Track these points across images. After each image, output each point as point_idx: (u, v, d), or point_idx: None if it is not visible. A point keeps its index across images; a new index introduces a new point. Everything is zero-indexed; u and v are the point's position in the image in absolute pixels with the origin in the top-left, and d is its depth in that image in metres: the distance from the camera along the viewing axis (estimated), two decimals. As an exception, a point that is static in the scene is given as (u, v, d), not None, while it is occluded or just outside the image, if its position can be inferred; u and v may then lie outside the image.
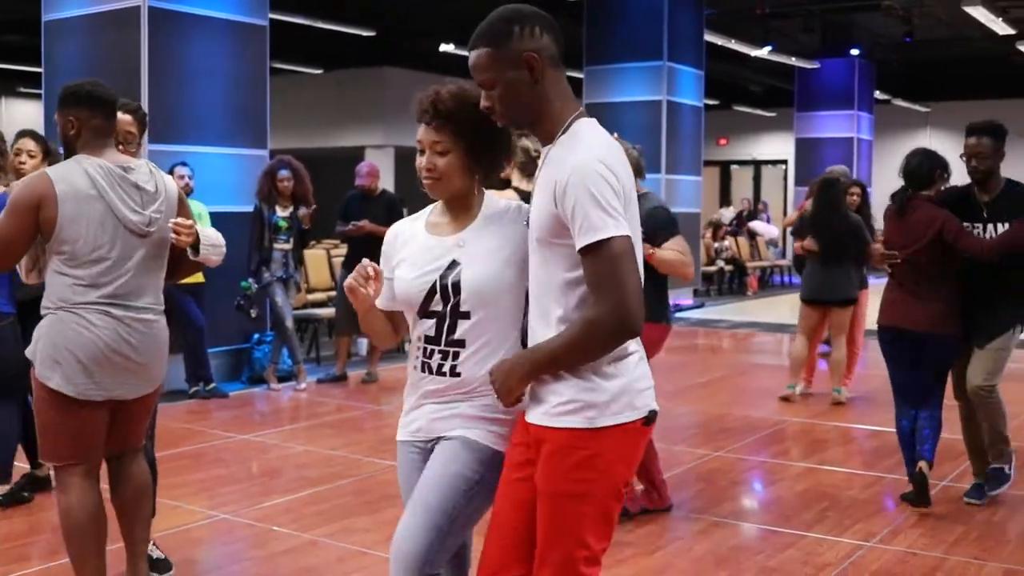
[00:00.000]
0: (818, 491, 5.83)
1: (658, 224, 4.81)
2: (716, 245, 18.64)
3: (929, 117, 23.81)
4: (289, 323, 8.59)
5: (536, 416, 2.50)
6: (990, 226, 5.28)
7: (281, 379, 8.83)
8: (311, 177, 8.57)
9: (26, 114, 22.60)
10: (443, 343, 2.65)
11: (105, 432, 3.75)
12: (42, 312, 3.66)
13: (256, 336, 8.99)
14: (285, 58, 13.82)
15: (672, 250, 4.84)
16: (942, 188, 5.46)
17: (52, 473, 4.75)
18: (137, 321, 3.70)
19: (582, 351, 2.39)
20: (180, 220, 3.76)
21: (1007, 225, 5.22)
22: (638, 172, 4.96)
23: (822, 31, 19.77)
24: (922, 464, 5.33)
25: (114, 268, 3.64)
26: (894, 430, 5.72)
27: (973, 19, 16.17)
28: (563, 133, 2.47)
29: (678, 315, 14.45)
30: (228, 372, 8.91)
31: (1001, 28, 16.49)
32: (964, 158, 5.33)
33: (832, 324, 8.25)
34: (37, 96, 24.21)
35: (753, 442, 7.07)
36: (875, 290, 6.88)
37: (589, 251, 2.33)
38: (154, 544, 4.35)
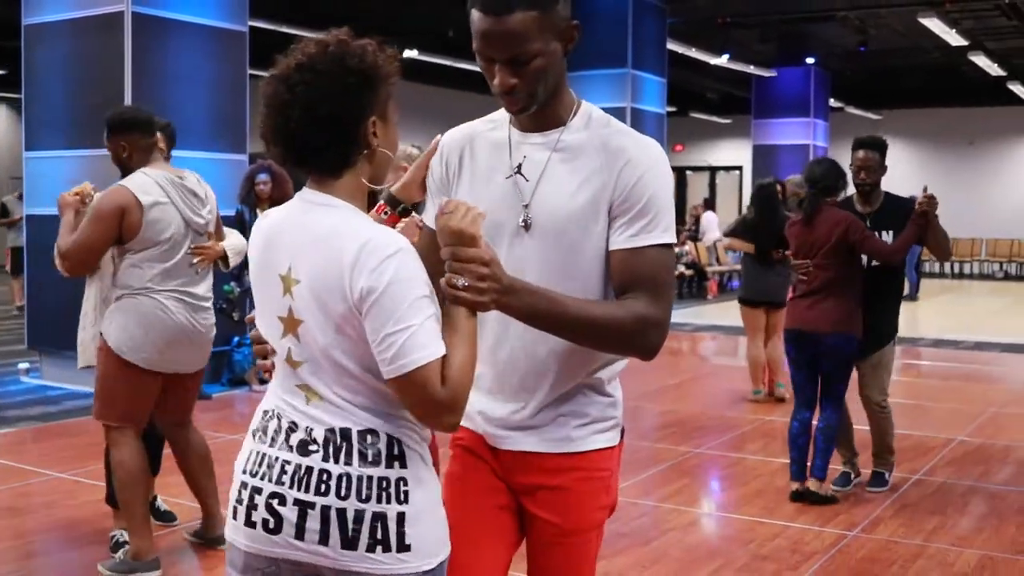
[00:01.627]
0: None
1: None
2: (676, 250, 18.92)
3: (881, 124, 24.29)
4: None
5: (548, 443, 2.19)
6: (875, 235, 5.55)
7: (262, 381, 8.93)
8: (292, 182, 8.68)
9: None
10: None
11: (154, 399, 4.42)
12: (116, 296, 4.30)
13: (236, 339, 9.09)
14: (266, 65, 13.88)
15: None
16: (838, 199, 5.70)
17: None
18: (201, 308, 4.46)
19: (610, 337, 2.06)
20: (199, 246, 4.45)
21: (890, 233, 5.53)
22: None
23: (779, 40, 20.12)
24: (811, 482, 5.58)
25: (183, 262, 4.37)
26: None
27: (926, 30, 16.59)
28: (576, 115, 2.17)
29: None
30: (208, 374, 8.96)
31: (954, 39, 16.93)
32: (853, 169, 5.65)
33: (770, 324, 8.53)
34: (5, 100, 24.12)
35: (731, 439, 7.30)
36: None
37: (654, 249, 2.07)
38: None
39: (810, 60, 20.67)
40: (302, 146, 1.90)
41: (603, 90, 14.94)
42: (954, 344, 12.31)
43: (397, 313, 1.78)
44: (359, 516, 1.84)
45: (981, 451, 6.97)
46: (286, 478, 1.86)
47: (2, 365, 9.85)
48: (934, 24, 15.90)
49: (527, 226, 2.10)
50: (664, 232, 2.07)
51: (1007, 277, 24.96)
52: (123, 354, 4.26)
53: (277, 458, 1.89)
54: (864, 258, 5.55)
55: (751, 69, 20.24)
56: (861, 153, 5.63)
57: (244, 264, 8.52)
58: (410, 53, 17.67)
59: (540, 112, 2.12)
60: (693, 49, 17.96)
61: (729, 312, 16.02)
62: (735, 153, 27.73)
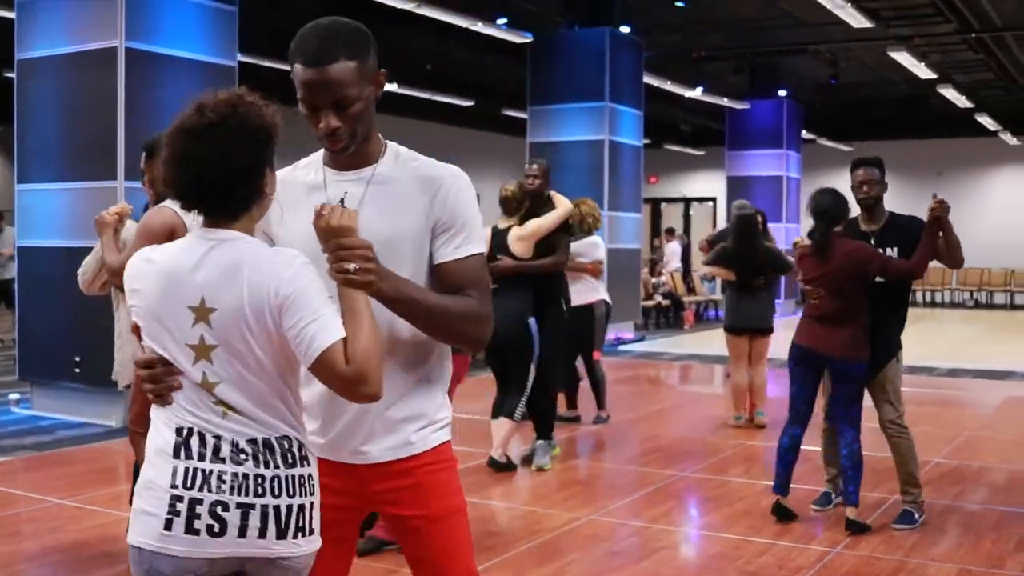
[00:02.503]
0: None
1: None
2: (654, 280, 19.16)
3: (853, 156, 24.65)
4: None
5: (395, 450, 2.41)
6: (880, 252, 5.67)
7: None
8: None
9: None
10: None
11: None
12: None
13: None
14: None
15: None
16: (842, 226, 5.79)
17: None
18: None
19: (455, 326, 2.36)
20: None
21: (895, 250, 5.62)
22: None
23: (751, 73, 20.51)
24: (848, 510, 5.62)
25: None
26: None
27: (896, 63, 16.98)
28: (385, 152, 2.43)
29: (621, 348, 14.90)
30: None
31: (923, 72, 17.32)
32: (854, 187, 5.72)
33: (753, 351, 8.75)
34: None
35: (714, 463, 7.49)
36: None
37: (474, 257, 2.40)
38: None
39: (782, 93, 21.05)
40: (211, 195, 2.15)
41: (581, 123, 15.22)
42: (928, 371, 12.57)
43: (307, 310, 2.08)
44: (289, 510, 2.15)
45: (957, 472, 7.19)
46: (225, 487, 2.12)
47: (-9, 396, 9.93)
48: (903, 58, 16.30)
49: None
50: (479, 242, 2.43)
51: (978, 305, 25.37)
52: None
53: (212, 471, 2.12)
54: None
55: (725, 101, 20.60)
56: (861, 171, 5.70)
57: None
58: (389, 87, 17.91)
59: (355, 152, 2.38)
60: (668, 82, 18.29)
61: (707, 341, 16.28)
62: (709, 184, 28.10)
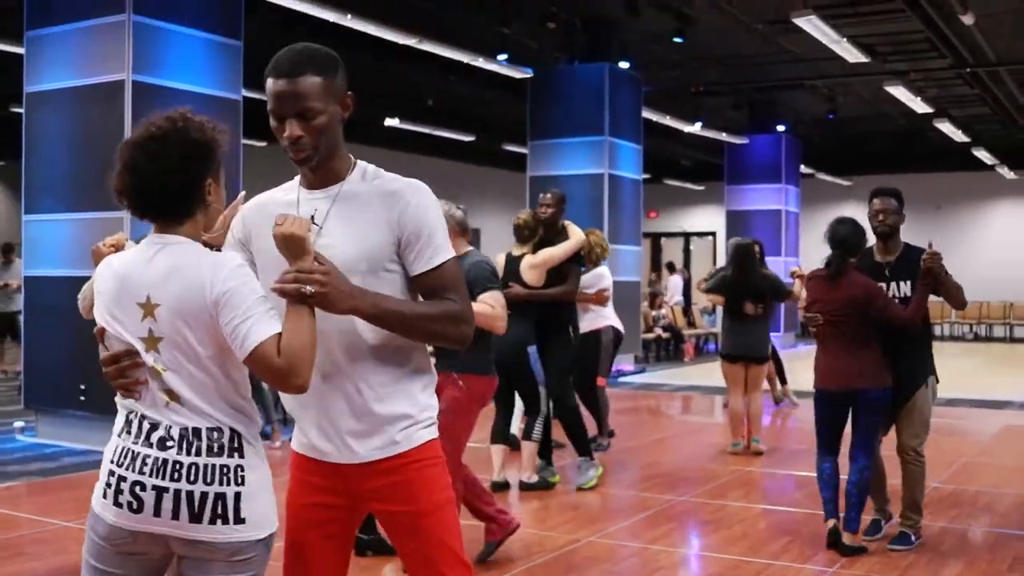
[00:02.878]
0: (779, 528, 6.32)
1: (475, 278, 5.08)
2: (654, 313, 19.25)
3: (851, 191, 24.86)
4: (265, 384, 8.91)
5: (382, 449, 2.52)
6: (892, 284, 5.73)
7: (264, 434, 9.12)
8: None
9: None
10: None
11: None
12: None
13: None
14: (259, 134, 14.50)
15: (484, 303, 5.08)
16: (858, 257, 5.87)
17: None
18: None
19: (437, 329, 2.52)
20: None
21: (908, 283, 5.68)
22: (464, 230, 5.35)
23: (750, 108, 20.71)
24: (845, 536, 5.65)
25: None
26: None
27: (892, 98, 17.16)
28: (353, 171, 2.56)
29: (622, 379, 14.98)
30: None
31: (920, 107, 17.50)
32: (871, 216, 5.80)
33: (749, 379, 8.84)
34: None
35: (713, 488, 7.55)
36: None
37: (447, 263, 2.54)
38: None
39: (781, 128, 21.23)
40: (153, 200, 2.40)
41: (582, 157, 15.38)
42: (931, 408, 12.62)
43: (241, 307, 2.30)
44: (204, 496, 2.32)
45: (954, 496, 7.26)
46: (147, 469, 2.34)
47: (-4, 425, 10.01)
48: (900, 92, 16.46)
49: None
50: (448, 249, 2.58)
51: (977, 339, 25.45)
52: None
53: (139, 453, 2.36)
54: None
55: (724, 136, 20.77)
56: (878, 200, 5.79)
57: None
58: (391, 121, 18.10)
59: (323, 171, 2.54)
60: (668, 117, 18.47)
61: (706, 373, 16.35)
62: (708, 219, 28.25)
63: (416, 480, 2.53)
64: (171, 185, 2.38)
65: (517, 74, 15.04)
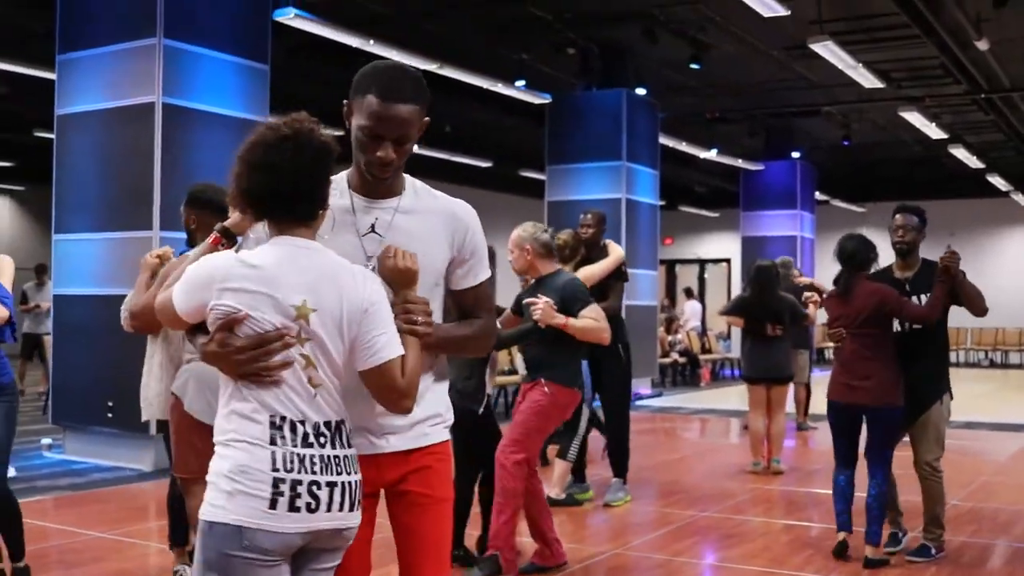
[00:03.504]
0: (801, 542, 6.40)
1: (573, 295, 5.48)
2: (670, 338, 19.33)
3: (866, 217, 24.95)
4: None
5: (414, 439, 2.69)
6: (913, 298, 5.82)
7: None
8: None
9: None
10: None
11: None
12: (187, 359, 4.56)
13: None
14: None
15: (587, 318, 5.41)
16: (871, 271, 5.98)
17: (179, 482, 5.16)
18: None
19: (478, 346, 2.87)
20: None
21: (927, 296, 5.76)
22: (550, 252, 5.64)
23: (765, 135, 20.83)
24: (867, 549, 5.72)
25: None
26: (862, 495, 6.14)
27: (907, 124, 17.27)
28: (406, 185, 2.72)
29: (639, 403, 15.06)
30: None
31: (935, 132, 17.60)
32: (892, 230, 5.93)
33: (771, 400, 8.92)
34: (10, 192, 24.68)
35: (734, 504, 7.64)
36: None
37: (485, 282, 2.82)
38: None
39: (796, 154, 21.32)
40: (285, 200, 2.42)
41: (600, 182, 15.51)
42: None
43: (382, 321, 2.44)
44: (355, 485, 2.46)
45: (973, 512, 7.33)
46: (316, 468, 2.39)
47: (23, 442, 10.12)
48: (915, 118, 16.57)
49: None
50: (487, 268, 2.84)
51: (992, 365, 25.44)
52: (196, 414, 4.52)
53: (304, 455, 2.39)
54: (896, 323, 5.78)
55: (739, 163, 20.88)
56: (899, 217, 5.92)
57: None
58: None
59: (386, 183, 2.66)
60: (684, 143, 18.60)
61: (723, 397, 16.44)
62: (723, 245, 28.36)
63: (438, 470, 2.73)
64: (304, 185, 2.42)
65: (536, 99, 15.21)
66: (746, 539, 6.55)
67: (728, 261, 28.33)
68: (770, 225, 21.82)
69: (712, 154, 19.73)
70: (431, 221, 2.70)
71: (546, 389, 5.38)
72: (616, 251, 7.38)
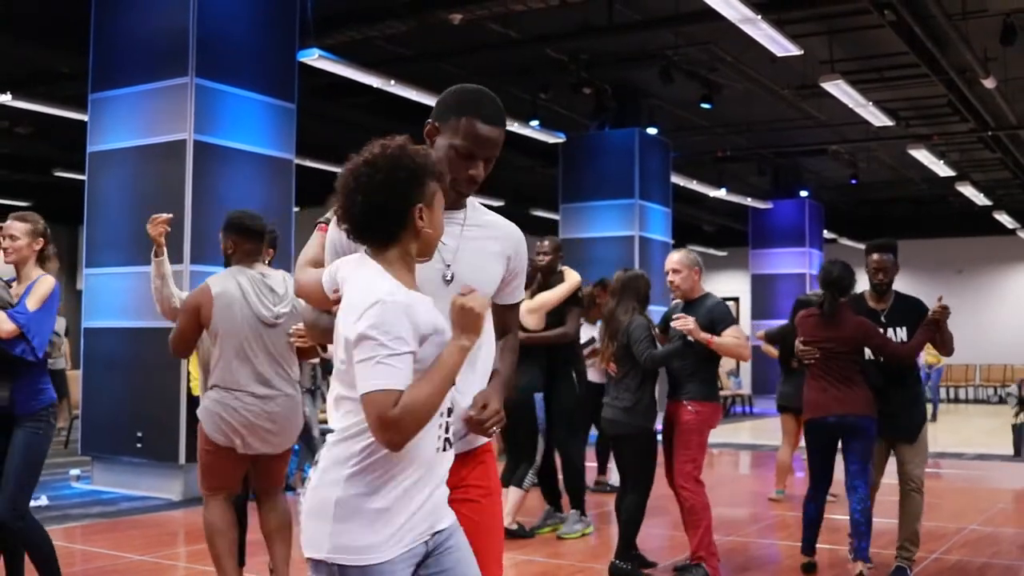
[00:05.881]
0: (827, 562, 6.51)
1: (718, 317, 5.94)
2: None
3: (873, 255, 25.07)
4: (315, 433, 9.17)
5: (471, 442, 2.81)
6: (890, 330, 6.00)
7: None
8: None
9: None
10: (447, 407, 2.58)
11: (242, 474, 5.00)
12: (210, 385, 4.86)
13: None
14: (312, 200, 15.21)
15: (730, 336, 5.89)
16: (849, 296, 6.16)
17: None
18: (273, 399, 4.87)
19: (515, 369, 3.03)
20: (296, 328, 4.85)
21: (903, 329, 5.97)
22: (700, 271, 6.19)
23: (773, 173, 21.07)
24: (861, 564, 5.84)
25: (254, 355, 4.83)
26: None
27: (914, 162, 17.50)
28: (468, 202, 2.84)
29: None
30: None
31: (942, 170, 17.81)
32: (870, 272, 6.07)
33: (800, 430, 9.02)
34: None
35: (758, 529, 7.78)
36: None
37: (520, 302, 3.04)
38: None
39: (804, 193, 21.53)
40: (359, 224, 2.47)
41: (613, 219, 15.74)
42: (957, 456, 12.81)
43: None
44: None
45: (992, 536, 7.46)
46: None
47: (50, 473, 10.26)
48: (922, 155, 16.77)
49: (449, 280, 2.72)
50: (523, 289, 3.04)
51: (1001, 401, 25.46)
52: (213, 438, 4.83)
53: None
54: (869, 352, 5.99)
55: (748, 201, 21.08)
56: (876, 256, 6.04)
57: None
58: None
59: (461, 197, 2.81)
60: (694, 181, 18.83)
61: (734, 433, 16.54)
62: (732, 284, 28.47)
63: (490, 465, 2.89)
64: (373, 207, 2.44)
65: (551, 139, 15.46)
66: (772, 560, 6.70)
67: (736, 300, 28.45)
68: (779, 263, 21.98)
69: (722, 193, 19.95)
70: (492, 238, 2.85)
71: (690, 408, 5.87)
72: (572, 277, 7.43)
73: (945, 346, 6.06)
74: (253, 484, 5.16)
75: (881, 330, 5.96)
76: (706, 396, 5.94)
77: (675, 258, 6.09)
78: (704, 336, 5.79)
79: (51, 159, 17.00)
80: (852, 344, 5.92)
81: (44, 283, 4.80)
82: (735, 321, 6.04)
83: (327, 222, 2.96)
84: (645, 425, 5.96)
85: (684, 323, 5.82)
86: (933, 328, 5.90)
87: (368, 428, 2.33)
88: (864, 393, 5.90)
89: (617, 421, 6.05)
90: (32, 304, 4.70)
